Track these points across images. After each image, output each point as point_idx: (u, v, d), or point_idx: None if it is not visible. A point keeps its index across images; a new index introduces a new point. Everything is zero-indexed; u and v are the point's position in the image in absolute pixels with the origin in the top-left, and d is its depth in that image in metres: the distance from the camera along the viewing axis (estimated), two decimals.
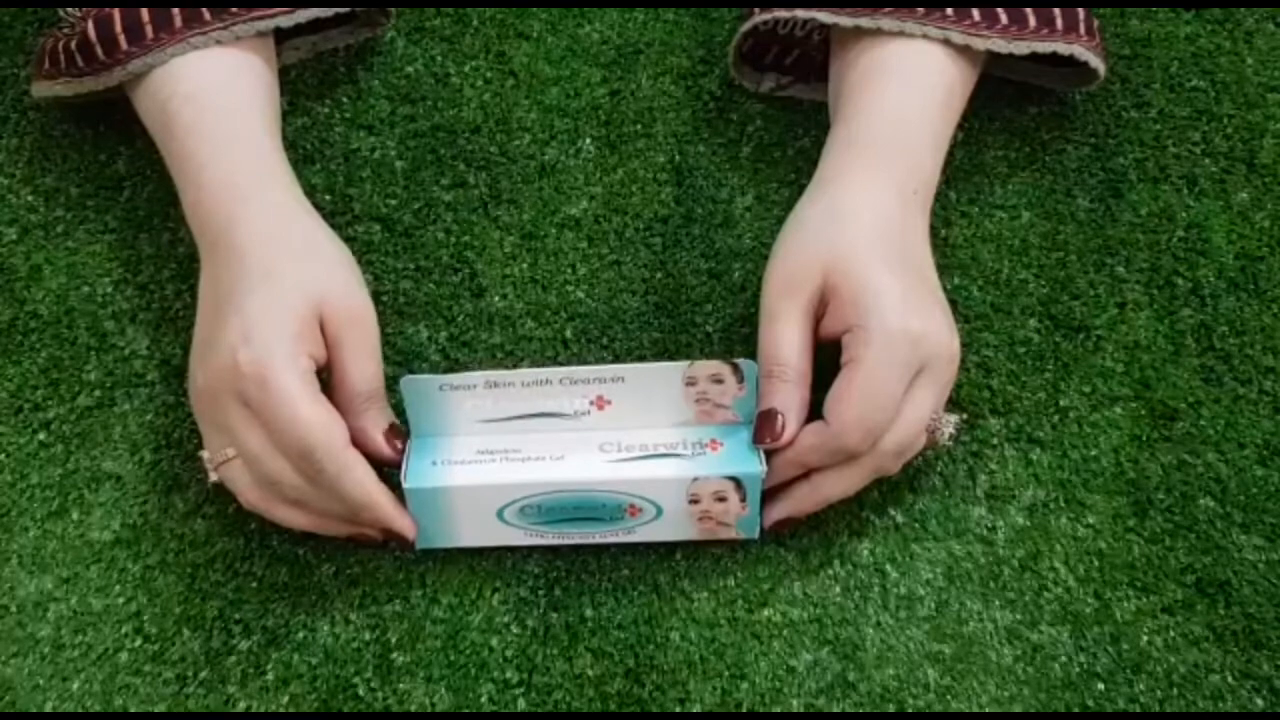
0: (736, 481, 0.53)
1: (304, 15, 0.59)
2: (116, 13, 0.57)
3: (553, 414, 0.54)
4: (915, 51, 0.57)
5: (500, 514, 0.53)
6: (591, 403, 0.54)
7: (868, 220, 0.53)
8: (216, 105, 0.56)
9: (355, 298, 0.54)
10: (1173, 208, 0.64)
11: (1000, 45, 0.57)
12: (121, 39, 0.57)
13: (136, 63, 0.57)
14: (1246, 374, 0.60)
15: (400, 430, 0.54)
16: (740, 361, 0.53)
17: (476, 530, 0.54)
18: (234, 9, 0.57)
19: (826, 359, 0.53)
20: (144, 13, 0.57)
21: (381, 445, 0.53)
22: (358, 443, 0.52)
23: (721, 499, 0.53)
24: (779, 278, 0.54)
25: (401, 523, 0.53)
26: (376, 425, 0.53)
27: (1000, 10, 0.57)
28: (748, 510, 0.54)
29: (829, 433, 0.51)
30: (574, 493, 0.53)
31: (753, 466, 0.52)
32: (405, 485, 0.52)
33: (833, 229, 0.53)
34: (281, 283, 0.52)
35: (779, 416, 0.52)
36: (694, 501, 0.53)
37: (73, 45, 0.58)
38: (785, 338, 0.53)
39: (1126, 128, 0.65)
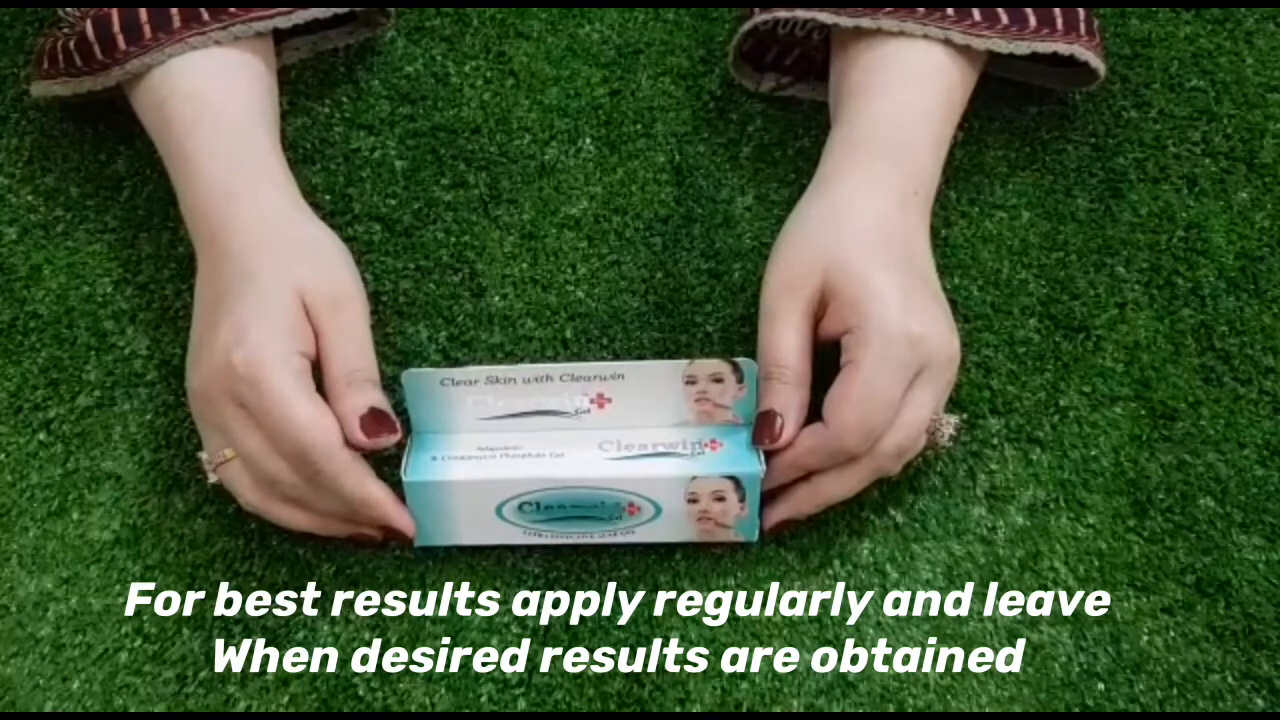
0: (735, 481, 0.52)
1: (303, 16, 0.59)
2: (115, 13, 0.57)
3: (553, 412, 0.54)
4: (916, 52, 0.57)
5: (499, 510, 0.53)
6: (592, 401, 0.54)
7: (868, 221, 0.53)
8: (214, 106, 0.56)
9: (340, 286, 0.53)
10: (1173, 208, 0.64)
11: (1001, 45, 0.57)
12: (120, 39, 0.57)
13: (135, 63, 0.57)
14: (1246, 374, 0.60)
15: (383, 415, 0.52)
16: (740, 361, 0.53)
17: (476, 527, 0.54)
18: (232, 9, 0.57)
19: (826, 359, 0.53)
20: (142, 13, 0.57)
21: (355, 430, 0.51)
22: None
23: (720, 499, 0.53)
24: (779, 278, 0.54)
25: (401, 520, 0.53)
26: (354, 410, 0.51)
27: (1001, 10, 0.57)
28: (746, 511, 0.53)
29: (828, 434, 0.51)
30: (573, 489, 0.53)
31: (752, 466, 0.52)
32: (405, 479, 0.52)
33: (833, 229, 0.53)
34: (274, 283, 0.52)
35: (778, 418, 0.52)
36: (693, 501, 0.53)
37: (71, 45, 0.58)
38: (785, 339, 0.53)
39: (1126, 128, 0.65)
